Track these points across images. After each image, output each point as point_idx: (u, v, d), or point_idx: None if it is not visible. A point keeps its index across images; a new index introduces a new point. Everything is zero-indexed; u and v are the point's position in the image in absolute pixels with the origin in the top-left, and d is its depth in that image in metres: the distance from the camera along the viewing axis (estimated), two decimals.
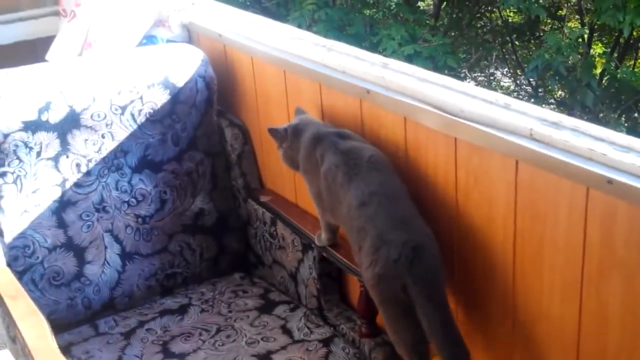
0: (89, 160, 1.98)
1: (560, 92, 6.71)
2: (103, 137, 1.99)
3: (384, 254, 1.51)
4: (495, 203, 1.52)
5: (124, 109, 2.00)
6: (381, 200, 1.58)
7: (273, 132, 1.85)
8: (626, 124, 5.95)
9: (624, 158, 1.28)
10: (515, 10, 7.11)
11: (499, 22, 7.47)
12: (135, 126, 2.02)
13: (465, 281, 1.65)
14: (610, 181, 1.27)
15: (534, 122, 1.43)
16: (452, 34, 6.96)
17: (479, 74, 7.69)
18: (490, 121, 1.48)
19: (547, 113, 1.45)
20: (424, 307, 1.47)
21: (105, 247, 2.00)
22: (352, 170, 1.63)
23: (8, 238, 1.90)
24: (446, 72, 5.73)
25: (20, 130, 1.88)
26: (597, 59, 5.98)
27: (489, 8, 7.23)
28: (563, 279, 1.42)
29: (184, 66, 2.08)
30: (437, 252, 1.54)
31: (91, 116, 1.97)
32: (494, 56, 7.50)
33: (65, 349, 1.84)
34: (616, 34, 6.36)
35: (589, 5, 6.44)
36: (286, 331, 1.89)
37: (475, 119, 1.51)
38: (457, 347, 1.48)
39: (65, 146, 1.95)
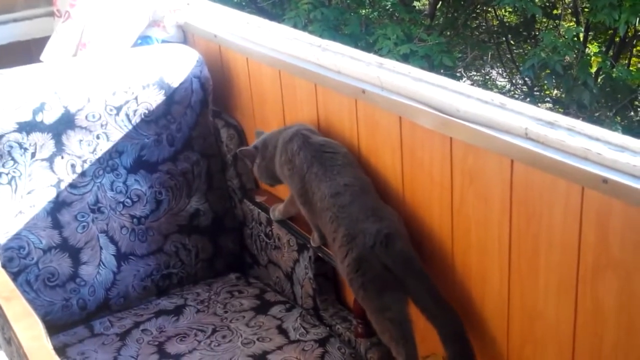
0: (84, 161, 1.98)
1: (555, 91, 6.72)
2: (98, 137, 1.99)
3: (360, 241, 1.58)
4: (491, 202, 1.52)
5: (118, 109, 2.00)
6: (354, 191, 1.66)
7: (244, 152, 1.93)
8: (622, 123, 5.96)
9: (619, 157, 1.28)
10: (510, 9, 7.11)
11: (495, 21, 7.47)
12: (130, 127, 2.02)
13: (460, 280, 1.65)
14: (605, 180, 1.27)
15: (530, 122, 1.43)
16: (448, 33, 6.96)
17: (475, 73, 7.69)
18: (486, 121, 1.48)
19: (543, 113, 1.45)
20: (407, 281, 1.55)
21: (101, 248, 2.00)
22: (328, 162, 1.71)
23: (3, 239, 1.89)
24: (442, 71, 5.73)
25: (14, 131, 1.87)
26: (592, 58, 5.99)
27: (485, 7, 7.23)
28: (558, 278, 1.42)
29: (179, 67, 2.08)
30: (407, 234, 1.63)
31: (86, 117, 1.96)
32: (490, 55, 7.50)
33: (60, 350, 1.83)
34: (611, 33, 6.37)
35: (584, 4, 6.44)
36: (282, 331, 1.89)
37: (471, 118, 1.51)
38: (448, 312, 1.55)
39: (60, 147, 1.94)
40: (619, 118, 6.03)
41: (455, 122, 1.52)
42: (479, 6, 7.24)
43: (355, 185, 1.67)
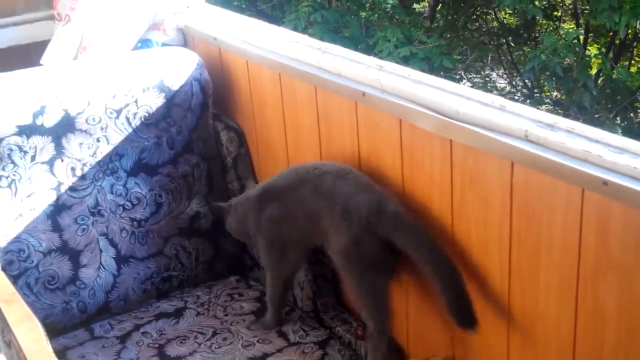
0: (84, 164, 1.98)
1: (556, 93, 6.72)
2: (98, 140, 1.99)
3: (355, 215, 1.63)
4: (491, 204, 1.52)
5: (119, 112, 2.00)
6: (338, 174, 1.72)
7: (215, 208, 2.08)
8: (622, 125, 5.96)
9: (619, 159, 1.28)
10: (510, 11, 7.12)
11: (495, 23, 7.48)
12: (130, 130, 2.02)
13: None
14: (605, 182, 1.27)
15: (529, 124, 1.43)
16: (448, 35, 6.96)
17: (475, 75, 7.70)
18: (486, 123, 1.48)
19: (543, 115, 1.45)
20: (400, 237, 1.61)
21: (101, 251, 2.00)
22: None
23: (3, 242, 1.89)
24: (442, 73, 5.73)
25: (14, 134, 1.87)
26: (592, 60, 5.99)
27: (485, 9, 7.24)
28: (559, 280, 1.42)
29: (179, 69, 2.08)
30: (399, 205, 1.66)
31: (86, 120, 1.96)
32: (490, 57, 7.51)
33: (60, 353, 1.83)
34: (611, 35, 6.37)
35: (584, 5, 6.45)
36: (282, 334, 1.89)
37: (471, 120, 1.51)
38: (443, 260, 1.57)
39: (60, 150, 1.94)
40: (619, 120, 6.03)
41: (455, 125, 1.53)
42: (478, 8, 7.24)
43: (334, 172, 1.73)
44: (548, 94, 6.93)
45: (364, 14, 6.83)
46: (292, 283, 1.96)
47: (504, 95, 6.85)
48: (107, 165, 2.01)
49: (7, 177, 1.89)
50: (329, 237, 1.71)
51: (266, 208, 1.83)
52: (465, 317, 1.56)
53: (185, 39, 2.43)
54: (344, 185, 1.70)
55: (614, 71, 5.81)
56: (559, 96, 6.64)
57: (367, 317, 1.71)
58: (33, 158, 1.91)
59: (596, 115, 5.80)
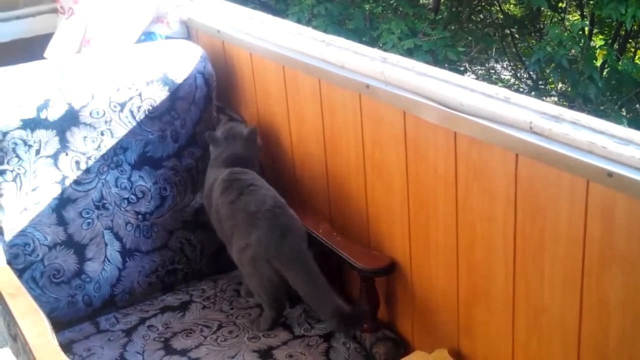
0: (89, 158, 1.98)
1: (561, 85, 6.70)
2: (102, 134, 1.99)
3: (255, 238, 1.79)
4: (496, 196, 1.51)
5: (122, 105, 2.00)
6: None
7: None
8: (627, 116, 5.93)
9: (624, 151, 1.28)
10: (515, 3, 7.09)
11: (499, 15, 7.44)
12: (134, 123, 2.02)
13: (466, 275, 1.65)
14: (610, 174, 1.27)
15: (534, 116, 1.42)
16: (452, 27, 6.94)
17: (479, 67, 7.67)
18: (490, 115, 1.48)
19: (547, 106, 1.45)
20: (297, 280, 1.77)
21: (106, 244, 2.00)
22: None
23: (8, 236, 1.89)
24: (446, 65, 5.71)
25: (19, 128, 1.87)
26: (597, 51, 5.96)
27: (489, 1, 7.21)
28: (564, 272, 1.41)
29: (183, 62, 2.07)
30: (302, 230, 1.84)
31: (90, 113, 1.96)
32: (494, 49, 7.47)
33: (66, 347, 1.84)
34: (616, 25, 6.34)
35: None
36: (287, 327, 1.89)
37: (475, 112, 1.50)
38: (333, 304, 1.73)
39: (64, 144, 1.94)
40: (624, 111, 6.00)
41: (459, 117, 1.52)
42: (483, 0, 7.21)
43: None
44: (553, 85, 6.90)
45: (368, 6, 6.80)
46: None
47: (508, 87, 6.83)
48: (111, 159, 2.02)
49: (12, 171, 1.89)
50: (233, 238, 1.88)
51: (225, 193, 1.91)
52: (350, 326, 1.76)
53: (189, 32, 2.43)
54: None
55: (619, 62, 5.78)
56: (564, 88, 6.61)
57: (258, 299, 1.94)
58: (38, 152, 1.91)
59: (601, 107, 5.77)
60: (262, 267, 1.81)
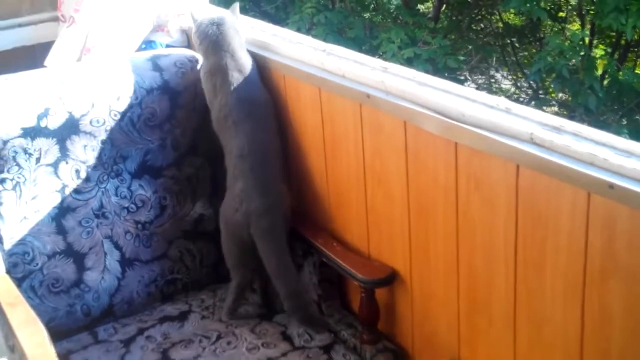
0: (88, 166, 1.98)
1: (561, 94, 6.70)
2: (102, 142, 1.99)
3: (245, 206, 1.88)
4: (496, 207, 1.51)
5: (123, 114, 2.00)
6: (256, 159, 1.91)
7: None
8: (628, 127, 5.93)
9: (625, 163, 1.28)
10: (515, 12, 7.09)
11: (499, 24, 7.46)
12: (134, 131, 2.02)
13: (466, 285, 1.64)
14: (611, 186, 1.26)
15: (535, 127, 1.42)
16: (452, 36, 6.94)
17: (479, 76, 7.68)
18: (491, 125, 1.48)
19: (548, 117, 1.44)
20: (266, 255, 1.86)
21: (105, 254, 2.00)
22: (243, 114, 1.94)
23: (7, 244, 1.89)
24: (446, 74, 5.71)
25: (19, 136, 1.87)
26: (598, 61, 5.97)
27: (489, 10, 7.22)
28: (565, 283, 1.41)
29: (183, 71, 2.07)
30: (286, 209, 1.93)
31: (90, 122, 1.96)
32: (494, 58, 7.48)
33: (64, 357, 1.83)
34: (616, 35, 6.35)
35: (589, 6, 6.42)
36: (286, 338, 1.88)
37: (476, 123, 1.50)
38: (293, 286, 1.85)
39: (64, 152, 1.94)
40: (625, 121, 6.00)
41: (460, 127, 1.52)
42: (483, 9, 7.22)
43: (259, 152, 1.92)
44: (553, 95, 6.90)
45: (368, 15, 6.81)
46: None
47: (508, 97, 6.83)
48: (111, 168, 2.01)
49: (11, 180, 1.89)
50: None
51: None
52: (310, 324, 1.85)
53: (189, 41, 2.42)
54: (254, 171, 1.93)
55: (620, 73, 5.79)
56: (564, 97, 6.61)
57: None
58: (38, 160, 1.91)
59: (602, 117, 5.77)
60: (237, 229, 1.91)
